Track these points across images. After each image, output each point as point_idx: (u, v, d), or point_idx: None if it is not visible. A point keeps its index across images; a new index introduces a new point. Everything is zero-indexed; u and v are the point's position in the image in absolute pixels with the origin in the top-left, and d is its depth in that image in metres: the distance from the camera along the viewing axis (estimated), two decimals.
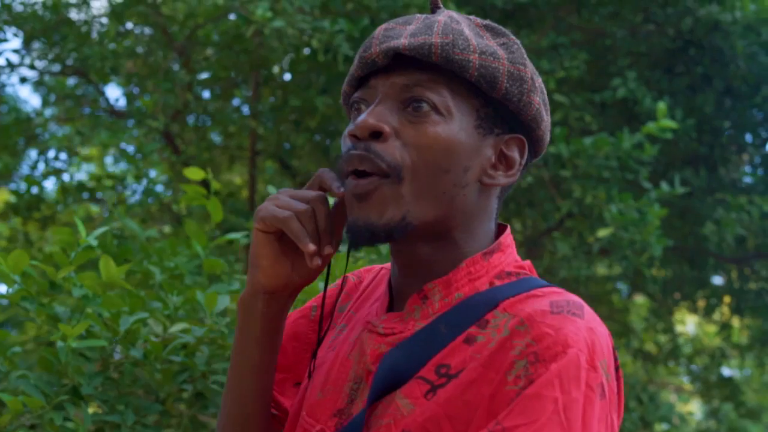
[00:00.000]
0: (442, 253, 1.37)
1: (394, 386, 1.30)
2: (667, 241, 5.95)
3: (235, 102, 8.09)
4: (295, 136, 7.43)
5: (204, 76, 7.48)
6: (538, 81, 1.41)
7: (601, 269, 8.37)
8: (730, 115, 7.37)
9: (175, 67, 7.17)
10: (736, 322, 9.90)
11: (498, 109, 1.37)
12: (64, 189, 7.74)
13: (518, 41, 1.40)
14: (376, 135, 1.33)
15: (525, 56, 1.39)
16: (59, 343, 2.27)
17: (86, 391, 2.32)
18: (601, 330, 1.26)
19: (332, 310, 1.58)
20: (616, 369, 1.29)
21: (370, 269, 1.66)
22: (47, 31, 7.11)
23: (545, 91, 1.44)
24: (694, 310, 9.71)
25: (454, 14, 1.39)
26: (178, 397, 2.57)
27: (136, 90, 7.74)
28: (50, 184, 8.29)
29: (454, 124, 1.33)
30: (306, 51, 5.91)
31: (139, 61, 7.52)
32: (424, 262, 1.38)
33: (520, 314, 1.25)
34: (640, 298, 10.91)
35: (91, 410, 2.37)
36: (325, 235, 1.37)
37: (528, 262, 1.44)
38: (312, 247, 1.32)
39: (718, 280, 9.14)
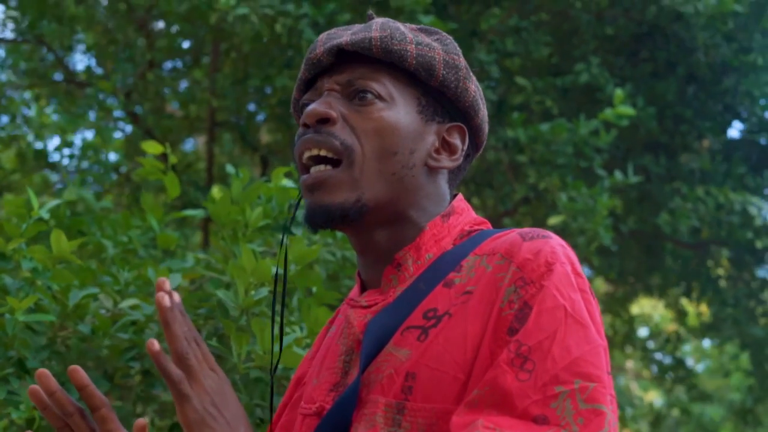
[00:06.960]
0: (401, 232, 1.44)
1: (385, 341, 1.34)
2: (613, 231, 5.98)
3: (195, 74, 8.01)
4: (256, 108, 7.38)
5: (164, 44, 7.39)
6: (472, 77, 1.50)
7: None
8: (692, 103, 7.39)
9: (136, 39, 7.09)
10: (690, 307, 9.99)
11: (437, 98, 1.46)
12: (20, 156, 7.65)
13: (450, 37, 1.50)
14: (324, 121, 1.40)
15: (458, 49, 1.49)
16: (6, 316, 2.24)
17: (32, 365, 2.29)
18: (569, 247, 1.36)
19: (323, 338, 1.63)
20: None
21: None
22: None
23: (480, 88, 1.53)
24: (649, 294, 9.79)
25: (390, 19, 1.49)
26: (126, 373, 2.54)
27: (94, 61, 7.64)
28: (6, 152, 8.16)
29: (398, 108, 1.41)
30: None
31: (99, 27, 7.42)
32: (385, 246, 1.44)
33: (496, 251, 1.34)
34: (598, 282, 10.99)
35: None
36: None
37: (486, 221, 1.50)
38: None
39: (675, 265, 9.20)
